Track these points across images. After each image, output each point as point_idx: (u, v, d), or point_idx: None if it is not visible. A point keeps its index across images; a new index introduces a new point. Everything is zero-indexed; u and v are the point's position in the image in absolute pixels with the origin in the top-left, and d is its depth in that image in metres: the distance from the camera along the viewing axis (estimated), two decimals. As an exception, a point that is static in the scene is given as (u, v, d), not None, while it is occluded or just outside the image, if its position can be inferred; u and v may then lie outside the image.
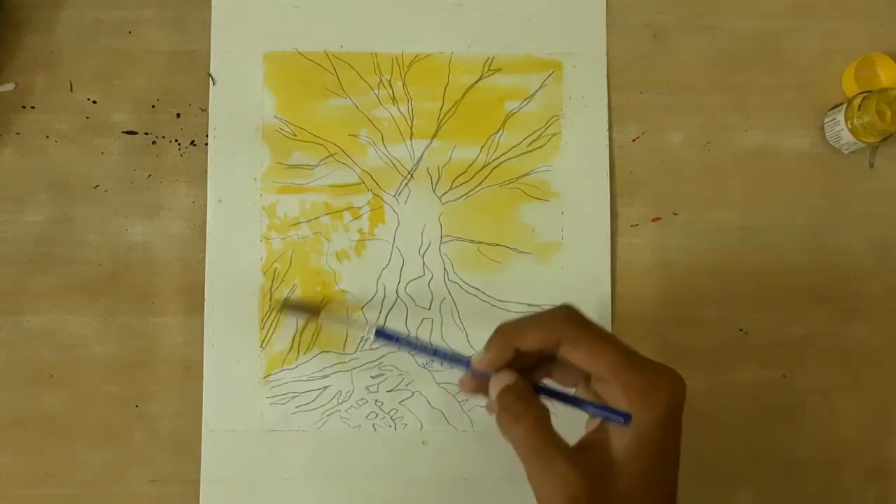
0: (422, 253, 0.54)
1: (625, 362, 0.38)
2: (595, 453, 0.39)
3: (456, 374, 0.53)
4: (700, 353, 0.55)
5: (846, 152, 0.56)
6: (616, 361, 0.38)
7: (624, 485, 0.38)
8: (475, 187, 0.55)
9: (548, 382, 0.42)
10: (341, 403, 0.53)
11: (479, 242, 0.54)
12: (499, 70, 0.56)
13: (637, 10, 0.57)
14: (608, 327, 0.54)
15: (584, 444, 0.40)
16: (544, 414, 0.39)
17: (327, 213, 0.54)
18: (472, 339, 0.54)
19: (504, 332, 0.41)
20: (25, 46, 0.55)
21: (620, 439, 0.38)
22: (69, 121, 0.55)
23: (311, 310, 0.52)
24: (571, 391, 0.42)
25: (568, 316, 0.40)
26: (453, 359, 0.43)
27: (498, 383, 0.41)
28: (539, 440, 0.39)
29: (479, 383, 0.42)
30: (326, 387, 0.53)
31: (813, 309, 0.55)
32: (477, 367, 0.41)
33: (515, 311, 0.54)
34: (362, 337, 0.52)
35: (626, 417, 0.38)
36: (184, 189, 0.55)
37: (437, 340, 0.54)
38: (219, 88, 0.55)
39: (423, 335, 0.54)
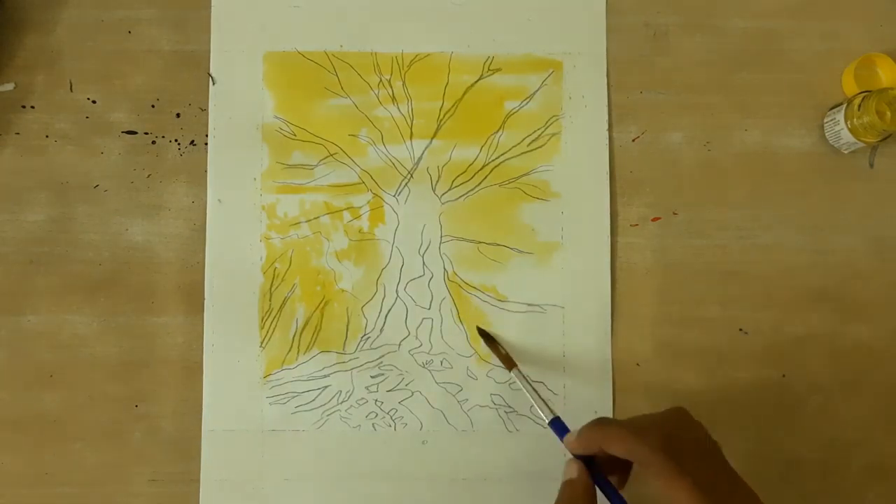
0: (422, 253, 0.54)
1: None
2: None
3: (456, 374, 0.54)
4: (700, 353, 0.55)
5: (846, 152, 0.56)
6: None
7: None
8: (475, 187, 0.55)
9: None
10: (341, 403, 0.53)
11: (479, 242, 0.54)
12: (499, 70, 0.56)
13: (637, 10, 0.57)
14: (608, 327, 0.54)
15: None
16: None
17: (327, 213, 0.54)
18: (472, 339, 0.54)
19: (597, 430, 0.42)
20: (25, 46, 0.55)
21: None
22: (69, 121, 0.55)
23: (505, 359, 0.51)
24: None
25: (658, 449, 0.39)
26: (557, 426, 0.46)
27: (565, 472, 0.43)
28: None
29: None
30: (326, 387, 0.53)
31: (813, 309, 0.55)
32: (566, 446, 0.44)
33: (515, 311, 0.54)
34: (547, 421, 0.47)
35: None
36: (184, 189, 0.55)
37: (436, 340, 0.54)
38: (219, 88, 0.55)
39: (423, 335, 0.54)
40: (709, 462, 0.40)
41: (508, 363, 0.51)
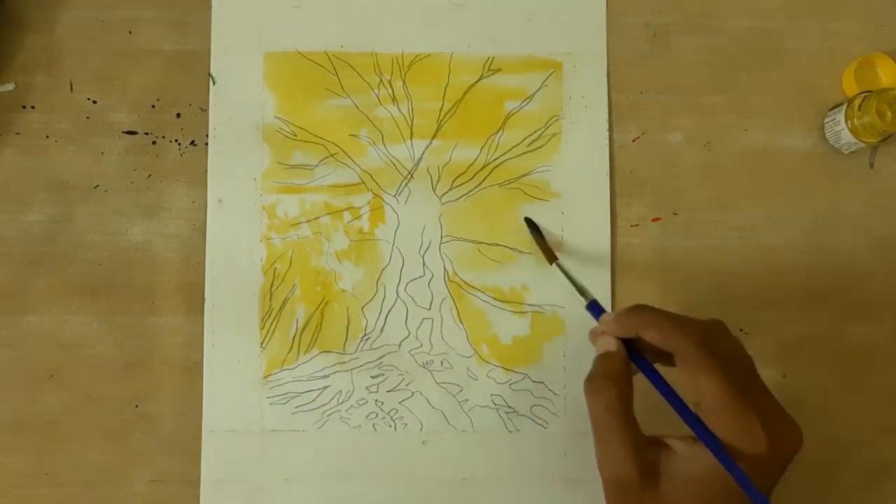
0: (422, 253, 0.54)
1: (730, 403, 0.37)
2: (666, 455, 0.39)
3: (456, 374, 0.54)
4: (700, 353, 0.55)
5: (846, 152, 0.56)
6: (723, 400, 0.37)
7: (672, 500, 0.38)
8: (475, 187, 0.55)
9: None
10: (341, 403, 0.53)
11: (479, 242, 0.54)
12: (499, 70, 0.56)
13: (637, 10, 0.57)
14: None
15: (660, 441, 0.40)
16: (625, 394, 0.39)
17: (327, 213, 0.54)
18: (473, 339, 0.54)
19: (637, 313, 0.41)
20: (25, 46, 0.55)
21: (697, 460, 0.38)
22: (69, 121, 0.55)
23: (547, 251, 0.52)
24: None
25: (697, 341, 0.39)
26: (595, 308, 0.46)
27: (601, 346, 0.42)
28: (609, 420, 0.39)
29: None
30: (326, 387, 0.53)
31: (813, 309, 0.55)
32: (602, 325, 0.43)
33: (515, 311, 0.54)
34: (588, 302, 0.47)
35: (716, 444, 0.37)
36: (184, 189, 0.55)
37: (436, 341, 0.54)
38: (219, 88, 0.55)
39: (423, 335, 0.54)
40: (743, 371, 0.40)
41: (550, 256, 0.51)
